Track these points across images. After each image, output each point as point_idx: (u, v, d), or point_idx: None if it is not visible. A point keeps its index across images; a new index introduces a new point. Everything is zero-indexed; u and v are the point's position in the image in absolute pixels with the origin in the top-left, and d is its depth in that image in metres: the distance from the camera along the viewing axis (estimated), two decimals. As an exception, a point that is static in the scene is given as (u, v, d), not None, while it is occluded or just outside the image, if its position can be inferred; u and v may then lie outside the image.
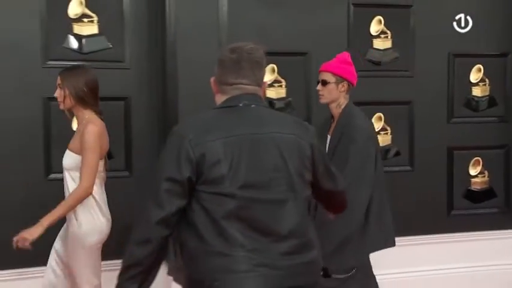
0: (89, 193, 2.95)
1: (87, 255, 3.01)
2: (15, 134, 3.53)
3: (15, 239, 2.89)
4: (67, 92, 3.00)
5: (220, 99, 2.08)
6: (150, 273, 1.99)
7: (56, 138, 3.58)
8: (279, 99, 3.91)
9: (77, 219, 2.99)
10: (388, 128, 4.12)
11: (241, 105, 2.02)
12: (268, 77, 3.87)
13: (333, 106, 3.24)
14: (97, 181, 3.01)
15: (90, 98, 3.02)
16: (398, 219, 4.09)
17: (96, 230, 3.02)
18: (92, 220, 3.01)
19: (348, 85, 3.22)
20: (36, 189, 3.54)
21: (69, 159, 3.05)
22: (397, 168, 4.12)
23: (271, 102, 3.88)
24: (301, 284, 1.99)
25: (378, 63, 4.07)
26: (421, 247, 4.14)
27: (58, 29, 3.58)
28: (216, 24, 3.72)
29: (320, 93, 3.24)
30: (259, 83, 2.09)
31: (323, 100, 3.24)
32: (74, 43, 3.62)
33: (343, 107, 3.20)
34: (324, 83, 3.21)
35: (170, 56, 3.63)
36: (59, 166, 3.52)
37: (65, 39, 3.60)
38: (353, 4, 3.99)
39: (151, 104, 3.72)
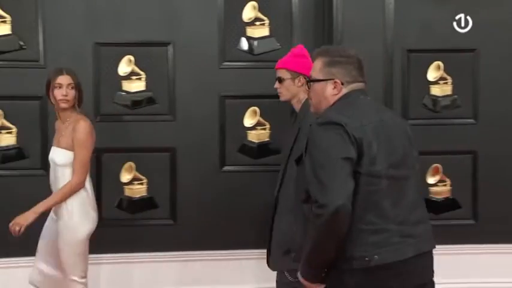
0: (80, 187, 3.09)
1: (78, 245, 3.10)
2: (195, 129, 3.79)
3: (10, 225, 3.04)
4: (81, 94, 3.15)
5: (336, 96, 2.26)
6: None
7: (229, 133, 3.83)
8: (444, 97, 3.85)
9: (68, 210, 3.10)
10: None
11: (362, 97, 2.28)
12: (433, 75, 3.85)
13: (294, 102, 3.07)
14: (88, 176, 3.15)
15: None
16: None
17: (87, 222, 3.13)
18: (83, 211, 3.12)
19: (305, 79, 2.92)
20: (212, 179, 3.82)
21: (63, 156, 3.12)
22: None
23: (435, 99, 3.85)
24: (430, 248, 2.25)
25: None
26: None
27: (233, 32, 3.80)
28: (382, 22, 3.75)
29: (278, 91, 3.09)
30: (366, 81, 2.34)
31: (282, 98, 3.09)
32: (245, 45, 3.82)
33: (303, 101, 2.99)
34: (280, 80, 3.06)
35: (337, 54, 3.72)
36: (231, 159, 3.84)
37: (238, 41, 3.82)
38: (526, -3, 3.83)
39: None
